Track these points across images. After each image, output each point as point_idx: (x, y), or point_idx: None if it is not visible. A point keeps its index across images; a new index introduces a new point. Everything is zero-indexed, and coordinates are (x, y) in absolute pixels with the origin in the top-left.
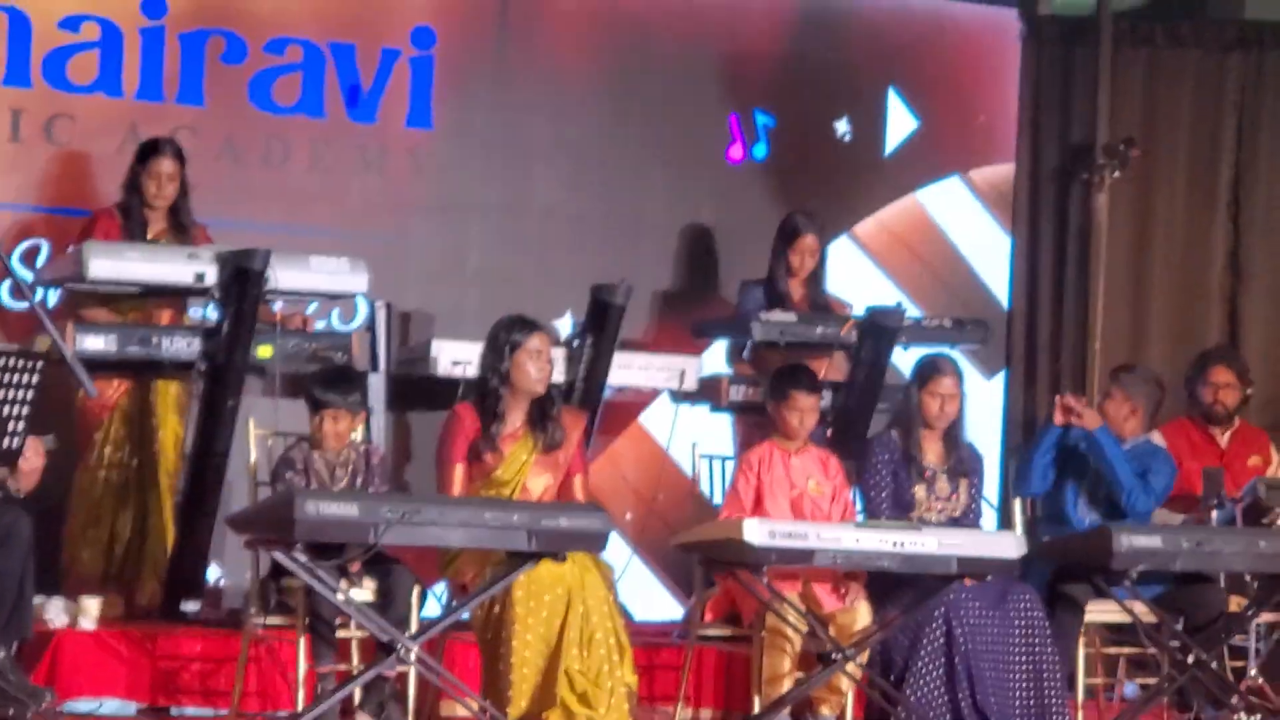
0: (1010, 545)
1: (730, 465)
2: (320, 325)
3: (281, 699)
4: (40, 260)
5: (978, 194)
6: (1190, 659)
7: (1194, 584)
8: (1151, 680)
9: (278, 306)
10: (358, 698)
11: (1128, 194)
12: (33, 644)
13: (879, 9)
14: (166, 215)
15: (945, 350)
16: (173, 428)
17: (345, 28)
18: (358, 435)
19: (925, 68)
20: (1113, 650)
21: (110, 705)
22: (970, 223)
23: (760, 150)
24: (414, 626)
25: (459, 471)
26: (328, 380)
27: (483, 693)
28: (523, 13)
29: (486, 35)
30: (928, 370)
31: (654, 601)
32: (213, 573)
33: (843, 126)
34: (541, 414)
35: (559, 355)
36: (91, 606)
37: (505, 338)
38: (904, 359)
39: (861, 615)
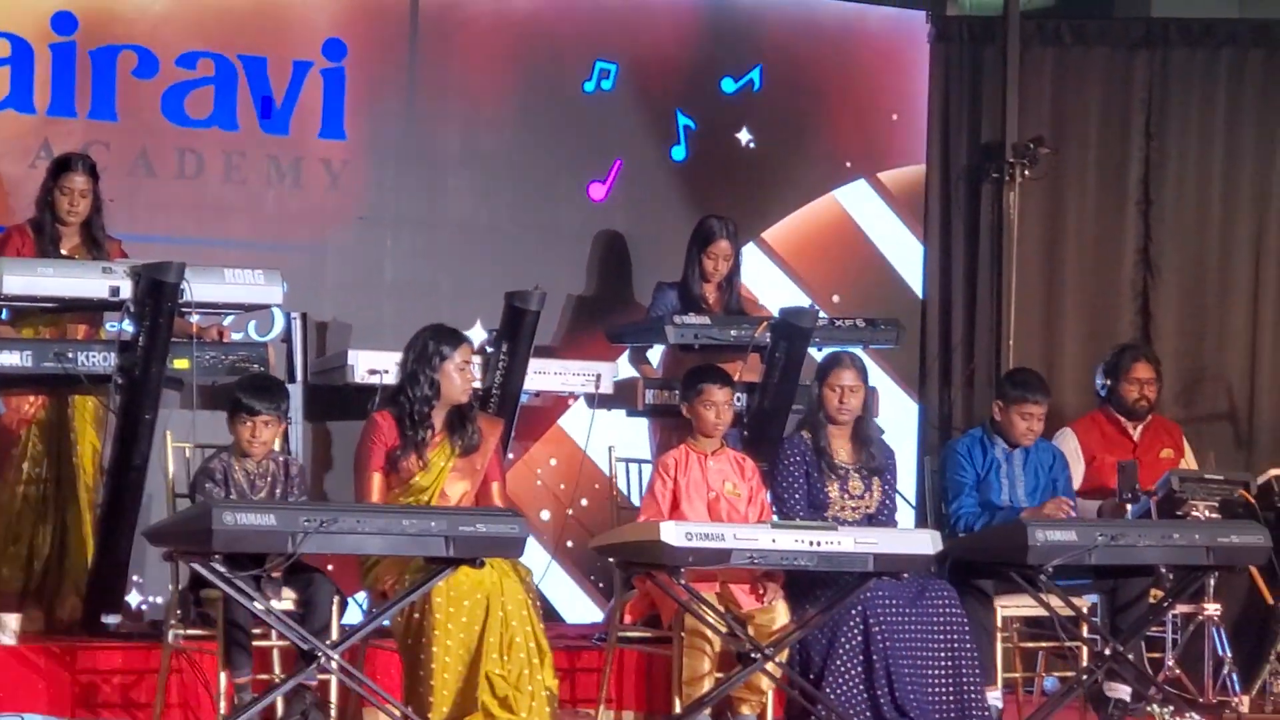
0: (926, 542)
1: (647, 468)
2: (237, 337)
3: (203, 710)
4: None
5: (885, 197)
6: (1108, 650)
7: (1123, 576)
8: (1070, 673)
9: (194, 319)
10: (280, 708)
11: (1038, 192)
12: None
13: (786, 13)
14: (80, 230)
15: (857, 350)
16: (91, 442)
17: (256, 41)
18: (276, 445)
19: (834, 71)
20: (1031, 644)
21: None
22: (881, 224)
23: (679, 153)
24: (335, 635)
25: (377, 480)
26: (255, 387)
27: (404, 699)
28: (433, 24)
29: (398, 47)
30: (827, 364)
31: (575, 605)
32: (132, 586)
33: (745, 136)
34: (460, 420)
35: (476, 362)
36: (11, 622)
37: (434, 348)
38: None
39: (780, 614)
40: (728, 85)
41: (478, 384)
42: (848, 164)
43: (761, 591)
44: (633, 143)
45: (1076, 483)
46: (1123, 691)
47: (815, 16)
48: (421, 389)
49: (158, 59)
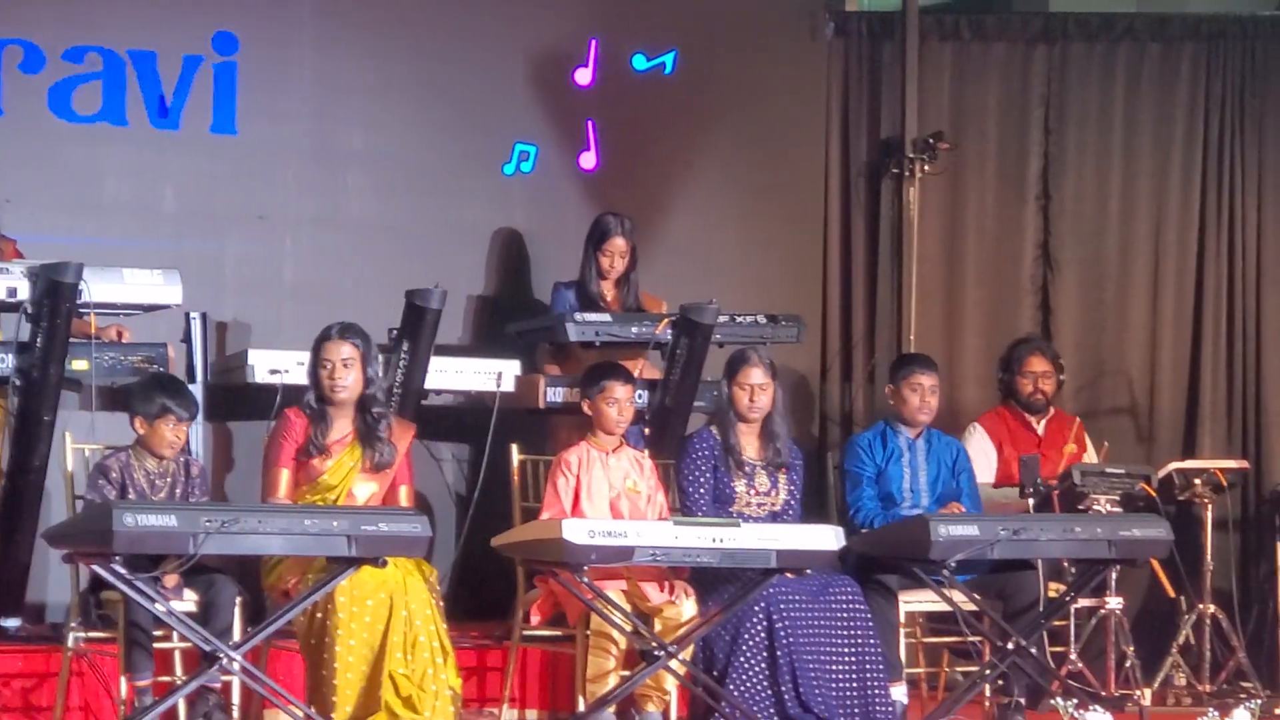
0: (829, 538)
1: (548, 466)
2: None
3: (105, 713)
4: None
5: (785, 192)
6: (1010, 645)
7: (1011, 570)
8: (974, 668)
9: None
10: (182, 710)
11: (938, 187)
12: None
13: (684, 7)
14: None
15: (758, 345)
16: None
17: (145, 34)
18: None
19: (735, 64)
20: (934, 639)
21: None
22: (781, 220)
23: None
24: (237, 636)
25: (285, 476)
26: (175, 389)
27: (307, 700)
28: (329, 18)
29: (293, 43)
30: (736, 362)
31: (482, 604)
32: (34, 588)
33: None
34: (367, 428)
35: (382, 360)
36: None
37: (314, 348)
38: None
39: (687, 609)
40: (639, 62)
41: (348, 383)
42: (748, 158)
43: (669, 589)
44: (536, 140)
45: (991, 473)
46: (1018, 693)
47: (718, 8)
48: (312, 389)
49: (44, 53)
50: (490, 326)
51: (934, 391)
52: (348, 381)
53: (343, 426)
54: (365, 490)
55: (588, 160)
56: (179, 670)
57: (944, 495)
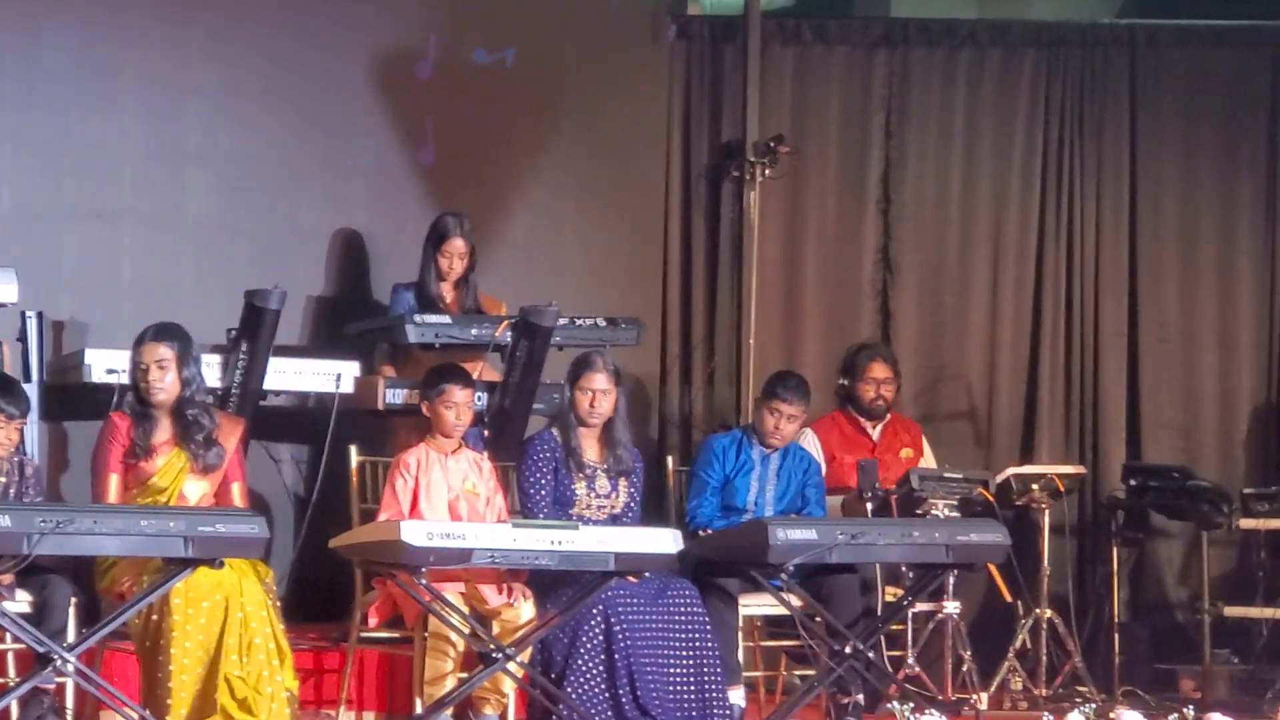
0: (667, 541)
1: (387, 468)
2: None
3: None
4: None
5: (626, 193)
6: (847, 649)
7: (831, 574)
8: (812, 671)
9: None
10: (15, 713)
11: (779, 191)
12: None
13: (527, 5)
14: None
15: (603, 350)
16: None
17: None
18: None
19: (577, 64)
20: (772, 643)
21: None
22: (621, 222)
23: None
24: (71, 637)
25: (113, 481)
26: (4, 388)
27: (142, 702)
28: (165, 14)
29: (128, 39)
30: (579, 366)
31: (319, 605)
32: None
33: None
34: (184, 430)
35: (213, 361)
36: None
37: (132, 349)
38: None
39: (525, 611)
40: (480, 58)
41: (164, 385)
42: (589, 159)
43: (508, 592)
44: (373, 137)
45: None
46: (855, 691)
47: (560, 8)
48: (133, 390)
49: None
50: (330, 327)
51: (792, 420)
52: (164, 384)
53: (166, 428)
54: (196, 490)
55: (427, 157)
56: (12, 672)
57: (788, 510)
